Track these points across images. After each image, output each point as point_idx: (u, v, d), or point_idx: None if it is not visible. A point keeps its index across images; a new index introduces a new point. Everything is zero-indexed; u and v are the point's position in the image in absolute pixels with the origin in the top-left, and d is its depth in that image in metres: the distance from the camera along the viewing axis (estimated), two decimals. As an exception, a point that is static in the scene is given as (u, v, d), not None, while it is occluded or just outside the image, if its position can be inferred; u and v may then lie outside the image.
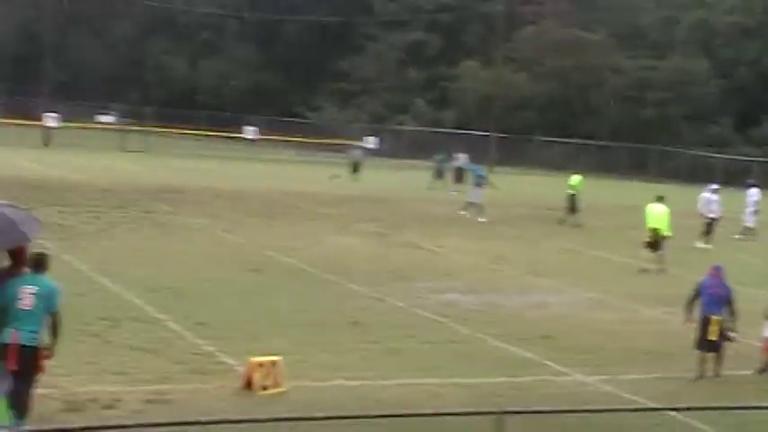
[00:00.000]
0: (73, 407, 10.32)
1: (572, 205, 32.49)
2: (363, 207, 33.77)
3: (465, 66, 79.20)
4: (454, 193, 40.83)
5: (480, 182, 33.38)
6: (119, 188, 33.73)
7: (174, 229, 24.56)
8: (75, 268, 17.99)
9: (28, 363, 9.06)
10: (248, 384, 11.51)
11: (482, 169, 33.82)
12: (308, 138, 70.47)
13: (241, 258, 20.95)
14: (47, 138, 59.52)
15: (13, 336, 9.00)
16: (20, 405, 9.09)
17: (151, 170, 44.00)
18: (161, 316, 14.99)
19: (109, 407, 10.47)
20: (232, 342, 13.72)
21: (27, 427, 8.96)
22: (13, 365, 8.99)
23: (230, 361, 12.77)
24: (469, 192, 33.76)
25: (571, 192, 32.79)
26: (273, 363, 11.61)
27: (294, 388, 11.70)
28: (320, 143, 69.81)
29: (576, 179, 33.14)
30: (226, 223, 26.45)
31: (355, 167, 48.28)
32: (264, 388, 11.39)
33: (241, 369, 12.16)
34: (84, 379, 11.30)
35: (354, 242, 24.90)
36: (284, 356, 12.13)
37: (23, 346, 9.01)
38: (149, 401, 10.82)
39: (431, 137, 69.95)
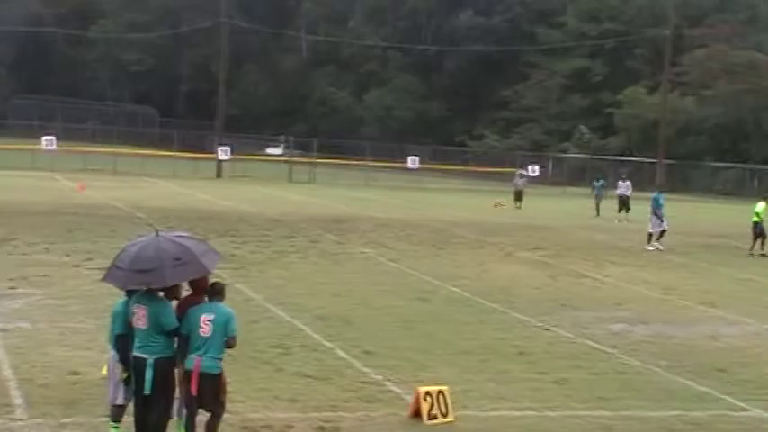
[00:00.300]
0: (247, 432, 10.62)
1: (758, 233, 31.26)
2: (527, 235, 33.50)
3: (630, 91, 77.65)
4: (624, 222, 40.03)
5: (657, 211, 31.87)
6: (287, 218, 34.61)
7: (341, 258, 24.98)
8: (247, 297, 18.55)
9: (209, 389, 9.41)
10: (416, 413, 11.54)
11: (662, 197, 32.25)
12: (470, 166, 70.59)
13: (407, 287, 21.11)
14: (219, 170, 61.75)
15: (196, 362, 9.37)
16: (209, 429, 9.53)
17: (317, 200, 44.98)
18: (329, 344, 15.24)
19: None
20: (399, 370, 13.81)
21: None
22: (193, 390, 9.36)
23: (398, 389, 12.85)
24: (652, 221, 32.14)
25: (756, 219, 31.52)
26: (441, 392, 11.62)
27: (461, 417, 11.67)
28: (482, 171, 69.75)
29: (761, 206, 31.75)
30: (392, 252, 26.73)
31: (518, 196, 47.98)
32: (432, 417, 11.41)
33: (409, 398, 12.22)
34: (257, 405, 11.59)
35: (519, 271, 24.71)
36: (451, 385, 12.13)
37: (204, 373, 9.36)
38: (320, 428, 11.00)
39: (594, 164, 68.81)
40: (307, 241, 28.08)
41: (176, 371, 9.51)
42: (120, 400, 9.68)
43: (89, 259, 22.11)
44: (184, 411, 9.59)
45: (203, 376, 9.38)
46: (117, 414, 9.79)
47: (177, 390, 9.57)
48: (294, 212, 37.15)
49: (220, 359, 9.52)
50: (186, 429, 9.60)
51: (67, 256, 22.62)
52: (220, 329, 9.46)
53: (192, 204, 38.35)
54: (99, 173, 57.08)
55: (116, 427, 9.80)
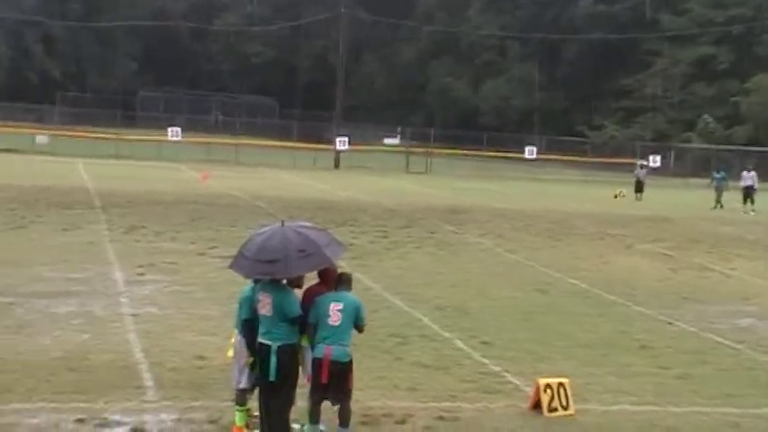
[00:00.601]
0: (369, 420, 10.71)
1: None
2: (648, 227, 32.88)
3: (758, 79, 75.21)
4: (752, 213, 38.89)
5: None
6: (404, 208, 34.78)
7: (458, 249, 25.00)
8: (366, 286, 18.73)
9: (339, 377, 9.57)
10: (536, 405, 11.49)
11: None
12: (589, 157, 69.51)
13: (525, 278, 21.00)
14: (337, 161, 62.42)
15: (326, 351, 9.53)
16: (342, 416, 9.74)
17: (434, 191, 45.06)
18: (447, 334, 15.28)
19: (401, 422, 10.79)
20: (518, 362, 13.76)
21: None
22: (323, 378, 9.53)
23: (516, 381, 12.79)
24: None
25: None
26: (561, 384, 11.53)
27: (581, 410, 11.55)
28: (602, 162, 68.62)
29: None
30: (509, 243, 26.62)
31: (639, 186, 47.11)
32: (553, 410, 11.34)
33: (528, 389, 12.17)
34: (377, 393, 11.70)
35: (640, 263, 24.29)
36: (570, 378, 12.01)
37: (334, 361, 9.52)
38: (440, 418, 11.04)
39: (718, 154, 66.94)
40: (424, 231, 28.17)
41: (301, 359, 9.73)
42: (243, 384, 9.92)
43: (213, 247, 22.68)
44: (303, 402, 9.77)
45: (334, 364, 9.52)
46: (241, 398, 10.04)
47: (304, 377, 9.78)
48: (411, 202, 37.30)
49: (349, 348, 9.66)
50: (310, 417, 9.77)
51: (192, 243, 23.24)
52: (349, 318, 9.61)
53: (311, 194, 38.90)
54: (221, 163, 58.45)
55: (241, 410, 10.05)
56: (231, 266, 10.02)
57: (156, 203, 31.78)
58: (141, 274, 18.86)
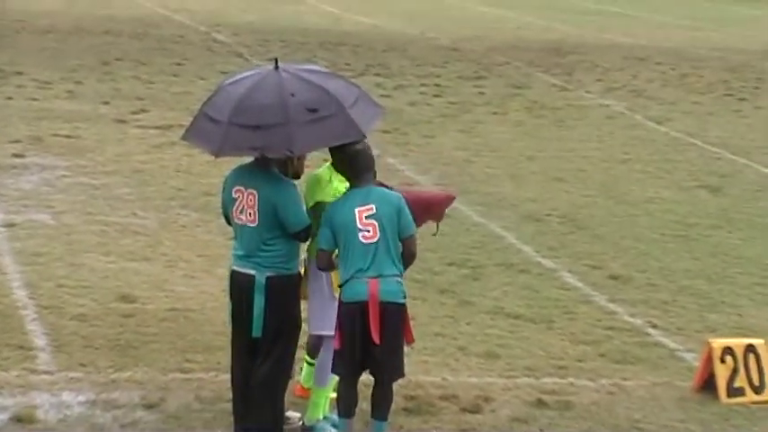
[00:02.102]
0: (416, 407, 10.81)
1: None
2: None
3: None
4: None
5: None
6: (469, 46, 34.72)
7: (566, 116, 25.01)
8: (405, 178, 18.74)
9: (391, 330, 9.58)
10: (705, 384, 11.57)
11: None
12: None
13: (684, 167, 21.03)
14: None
15: (371, 288, 9.45)
16: (381, 399, 9.87)
17: (520, 15, 44.79)
18: (550, 263, 15.37)
19: (473, 410, 10.87)
20: (673, 311, 13.85)
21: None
22: (377, 337, 9.50)
23: (671, 343, 12.90)
24: None
25: None
26: (751, 349, 11.59)
27: (786, 394, 11.66)
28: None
29: None
30: (655, 106, 26.61)
31: None
32: (736, 392, 11.42)
33: (692, 358, 12.25)
34: (431, 362, 11.76)
35: None
36: (769, 339, 12.11)
37: (386, 303, 9.53)
38: (538, 403, 11.13)
39: None
40: (505, 86, 28.16)
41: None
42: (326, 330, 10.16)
43: (141, 110, 22.78)
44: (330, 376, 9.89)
45: (386, 309, 9.50)
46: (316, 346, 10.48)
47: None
48: (482, 36, 37.18)
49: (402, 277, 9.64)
50: (340, 404, 9.74)
51: (105, 103, 23.34)
52: (392, 228, 9.56)
53: (309, 20, 38.77)
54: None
55: (312, 363, 10.47)
56: (186, 136, 10.01)
57: (40, 33, 31.79)
58: (18, 156, 18.96)
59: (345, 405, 9.73)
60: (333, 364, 9.73)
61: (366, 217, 9.44)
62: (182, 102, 23.18)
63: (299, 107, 9.36)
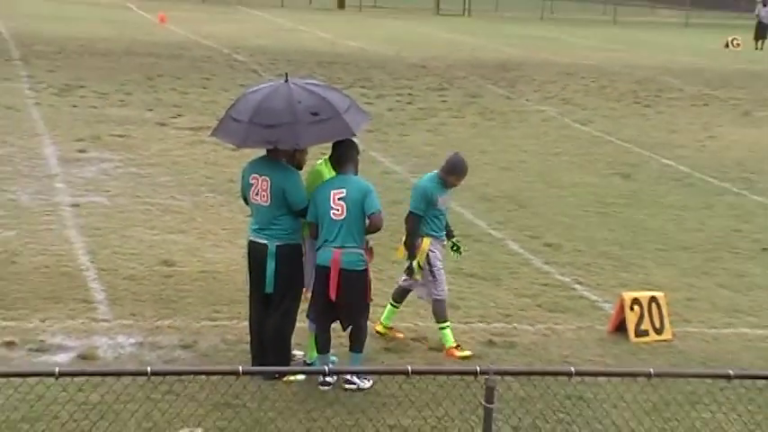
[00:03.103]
0: (394, 346, 10.90)
1: None
2: (772, 88, 32.73)
3: None
4: None
5: None
6: (435, 64, 34.63)
7: (511, 119, 24.98)
8: (385, 168, 18.83)
9: (352, 290, 9.73)
10: (618, 327, 11.62)
11: None
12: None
13: (602, 158, 21.06)
14: (341, -3, 61.79)
15: (334, 256, 9.64)
16: (355, 337, 9.97)
17: (476, 39, 44.74)
18: (498, 234, 15.40)
19: (437, 348, 10.92)
20: (594, 271, 13.91)
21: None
22: (332, 293, 9.65)
23: (592, 296, 12.95)
24: None
25: None
26: (654, 300, 11.64)
27: (681, 335, 11.70)
28: (707, -1, 67.75)
29: None
30: (580, 111, 26.59)
31: (760, 32, 46.65)
32: (642, 333, 11.46)
33: (608, 307, 12.31)
34: (404, 312, 11.70)
35: (760, 137, 24.28)
36: (667, 292, 12.13)
37: (346, 270, 9.72)
38: (489, 343, 11.20)
39: None
40: (463, 95, 28.11)
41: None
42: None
43: (178, 116, 22.75)
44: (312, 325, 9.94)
45: (345, 274, 9.61)
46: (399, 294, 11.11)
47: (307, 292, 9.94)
48: (445, 56, 37.13)
49: (362, 250, 9.74)
50: (317, 344, 9.86)
51: (150, 110, 23.32)
52: (357, 209, 9.60)
53: (308, 44, 38.69)
54: (183, 0, 58.00)
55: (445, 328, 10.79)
56: (215, 132, 10.09)
57: (97, 54, 31.74)
58: (82, 151, 18.95)
59: (320, 343, 9.89)
60: (308, 310, 9.93)
61: (338, 198, 9.57)
62: (209, 108, 23.12)
63: (304, 111, 9.54)
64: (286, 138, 9.55)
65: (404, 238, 10.77)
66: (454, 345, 10.80)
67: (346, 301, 9.70)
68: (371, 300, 10.01)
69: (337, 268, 9.59)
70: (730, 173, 20.26)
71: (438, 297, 10.85)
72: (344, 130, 9.74)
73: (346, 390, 9.66)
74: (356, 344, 9.90)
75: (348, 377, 9.70)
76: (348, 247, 9.61)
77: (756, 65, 39.18)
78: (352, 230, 9.63)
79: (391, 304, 11.17)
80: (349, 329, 9.95)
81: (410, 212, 10.79)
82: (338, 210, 9.59)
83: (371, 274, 10.02)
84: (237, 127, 9.72)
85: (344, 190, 9.60)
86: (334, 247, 9.59)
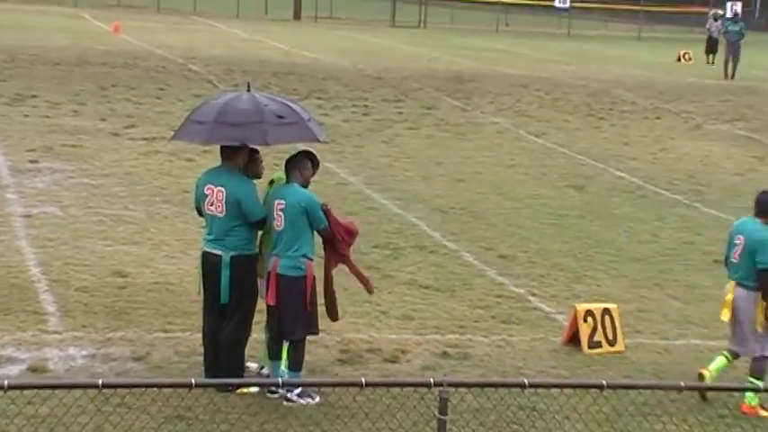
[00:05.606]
0: (349, 358, 10.89)
1: None
2: (723, 101, 32.96)
3: None
4: None
5: None
6: (391, 75, 34.64)
7: (466, 131, 25.00)
8: (340, 179, 18.79)
9: (289, 298, 9.71)
10: (572, 339, 11.66)
11: None
12: (642, 5, 69.01)
13: (556, 170, 21.11)
14: (297, 9, 61.73)
15: (273, 263, 9.73)
16: (290, 354, 9.87)
17: (431, 51, 44.84)
18: (453, 245, 15.39)
19: (392, 360, 10.95)
20: (547, 282, 13.94)
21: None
22: (268, 298, 9.72)
23: (546, 307, 12.99)
24: None
25: None
26: (607, 311, 11.69)
27: (633, 346, 11.76)
28: (661, 12, 68.29)
29: None
30: (534, 123, 26.65)
31: (711, 46, 47.00)
32: (595, 345, 11.50)
33: (562, 318, 12.34)
34: (360, 323, 11.82)
35: (712, 150, 24.43)
36: (619, 304, 12.19)
37: (281, 275, 9.70)
38: (443, 355, 11.21)
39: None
40: (418, 107, 28.12)
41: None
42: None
43: (131, 126, 22.60)
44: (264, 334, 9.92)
45: (280, 280, 9.62)
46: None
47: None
48: (400, 67, 37.13)
49: (304, 258, 9.66)
50: (269, 352, 9.86)
51: (103, 120, 23.17)
52: (292, 221, 9.59)
53: (263, 54, 38.63)
54: (139, 10, 57.88)
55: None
56: (176, 136, 10.17)
57: (50, 64, 31.52)
58: (34, 161, 18.84)
59: (271, 350, 9.91)
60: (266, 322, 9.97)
61: (279, 210, 9.61)
62: (163, 119, 23.06)
63: (270, 113, 9.72)
64: (254, 136, 9.64)
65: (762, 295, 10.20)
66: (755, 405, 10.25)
67: (283, 306, 9.69)
68: (311, 311, 9.83)
69: (275, 273, 9.64)
70: (682, 185, 20.40)
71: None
72: (309, 135, 9.94)
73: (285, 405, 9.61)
74: (293, 362, 9.81)
75: (288, 395, 9.63)
76: (286, 256, 9.62)
77: (709, 79, 39.47)
78: (291, 241, 9.62)
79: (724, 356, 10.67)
80: (287, 345, 9.88)
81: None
82: (278, 221, 9.65)
83: (322, 288, 9.94)
84: (201, 128, 9.79)
85: (284, 201, 9.63)
86: (275, 255, 9.67)
